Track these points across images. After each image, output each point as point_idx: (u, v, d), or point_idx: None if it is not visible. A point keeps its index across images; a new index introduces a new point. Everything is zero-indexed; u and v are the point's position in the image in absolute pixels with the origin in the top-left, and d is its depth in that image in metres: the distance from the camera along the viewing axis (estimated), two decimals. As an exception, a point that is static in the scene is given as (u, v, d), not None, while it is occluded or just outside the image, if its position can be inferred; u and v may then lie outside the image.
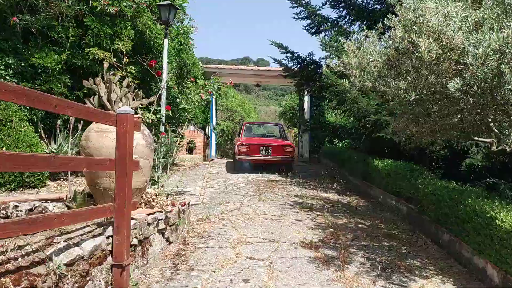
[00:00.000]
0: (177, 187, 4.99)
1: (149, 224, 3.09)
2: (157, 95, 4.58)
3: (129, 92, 3.88)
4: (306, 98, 12.74)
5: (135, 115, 3.41)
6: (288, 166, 9.63)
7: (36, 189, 4.18)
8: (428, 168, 6.16)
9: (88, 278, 2.25)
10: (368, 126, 6.89)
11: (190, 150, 11.56)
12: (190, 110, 5.31)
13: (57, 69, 5.59)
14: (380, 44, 3.78)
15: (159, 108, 4.52)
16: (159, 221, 3.29)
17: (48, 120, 5.78)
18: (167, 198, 3.73)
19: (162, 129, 4.75)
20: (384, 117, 6.25)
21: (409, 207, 4.99)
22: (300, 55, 9.05)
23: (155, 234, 3.22)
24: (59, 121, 4.52)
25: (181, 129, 10.33)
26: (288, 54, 9.05)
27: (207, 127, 12.04)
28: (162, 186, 4.00)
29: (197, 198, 5.43)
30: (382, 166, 6.05)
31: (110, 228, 2.55)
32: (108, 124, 2.65)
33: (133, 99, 3.83)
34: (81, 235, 2.42)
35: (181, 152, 10.11)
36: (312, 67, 9.03)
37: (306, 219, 4.57)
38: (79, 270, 2.17)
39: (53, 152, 4.83)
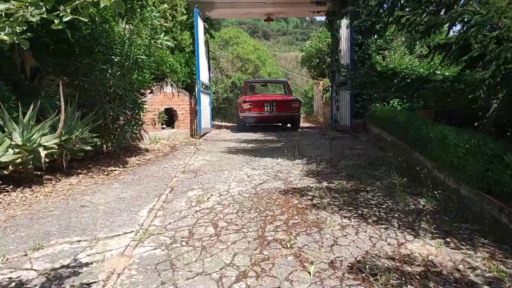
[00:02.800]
0: None
1: None
2: None
3: None
4: (344, 34, 8.74)
5: None
6: (294, 122, 10.29)
7: None
8: None
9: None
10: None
11: (171, 122, 8.07)
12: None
13: None
14: None
15: None
16: None
17: None
18: None
19: None
20: None
21: None
22: None
23: None
24: None
25: (146, 92, 6.76)
26: None
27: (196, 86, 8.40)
28: None
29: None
30: None
31: None
32: None
33: None
34: None
35: (155, 127, 6.61)
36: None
37: None
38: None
39: None
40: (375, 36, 9.06)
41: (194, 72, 8.12)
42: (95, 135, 4.81)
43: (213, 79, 26.48)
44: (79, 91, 4.85)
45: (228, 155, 6.28)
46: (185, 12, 8.26)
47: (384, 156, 6.11)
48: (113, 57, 5.02)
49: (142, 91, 6.65)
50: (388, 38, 10.49)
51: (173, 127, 8.02)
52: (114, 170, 5.07)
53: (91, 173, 4.89)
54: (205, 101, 8.62)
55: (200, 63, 8.02)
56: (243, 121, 10.30)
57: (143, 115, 6.18)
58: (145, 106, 6.70)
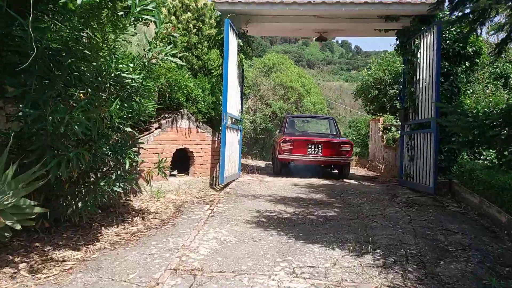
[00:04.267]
0: None
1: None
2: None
3: None
4: (427, 58, 6.60)
5: None
6: (343, 169, 8.60)
7: None
8: None
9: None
10: None
11: (185, 166, 6.19)
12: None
13: None
14: None
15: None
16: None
17: None
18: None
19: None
20: None
21: None
22: None
23: None
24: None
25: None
26: None
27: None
28: None
29: None
30: None
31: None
32: None
33: None
34: None
35: (148, 181, 4.67)
36: None
37: None
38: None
39: None
40: (466, 64, 6.82)
41: (220, 102, 6.28)
42: (34, 203, 2.96)
43: (252, 107, 24.90)
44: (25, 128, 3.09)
45: (255, 230, 4.21)
46: (214, 24, 6.55)
47: (507, 252, 3.79)
48: (86, 75, 3.26)
49: (142, 126, 4.85)
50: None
51: (188, 174, 6.13)
52: (66, 260, 3.16)
53: (25, 263, 3.02)
54: (232, 140, 6.70)
55: (229, 91, 6.17)
56: (280, 163, 8.50)
57: (141, 162, 4.32)
58: (145, 149, 4.88)
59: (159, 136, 5.34)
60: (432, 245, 3.97)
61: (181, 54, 6.01)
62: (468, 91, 7.22)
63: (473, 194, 5.49)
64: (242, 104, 7.57)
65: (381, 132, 10.34)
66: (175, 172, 5.95)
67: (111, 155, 3.72)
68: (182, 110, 5.70)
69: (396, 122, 10.17)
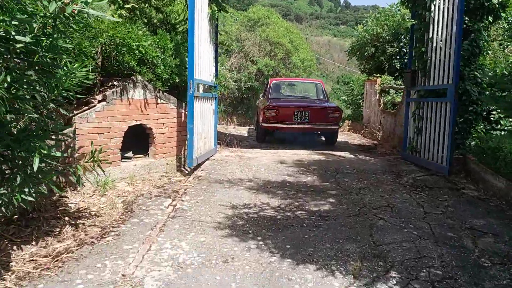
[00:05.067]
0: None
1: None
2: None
3: None
4: (444, 11, 5.37)
5: None
6: (330, 137, 8.03)
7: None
8: None
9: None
10: None
11: (145, 146, 5.01)
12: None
13: None
14: None
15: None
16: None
17: None
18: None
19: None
20: None
21: None
22: None
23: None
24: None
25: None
26: None
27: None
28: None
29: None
30: None
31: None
32: None
33: None
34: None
35: (104, 164, 3.48)
36: None
37: None
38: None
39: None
40: (489, 19, 5.60)
41: (187, 65, 4.99)
42: None
43: (236, 64, 23.26)
44: None
45: (228, 241, 3.17)
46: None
47: None
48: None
49: (81, 99, 3.62)
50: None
51: (148, 155, 4.97)
52: None
53: None
54: (205, 111, 5.50)
55: (197, 52, 4.87)
56: (264, 131, 7.82)
57: (63, 157, 3.14)
58: (77, 132, 3.71)
59: (103, 111, 4.11)
60: (461, 258, 3.01)
61: (132, 4, 4.64)
62: (489, 51, 6.06)
63: (497, 176, 4.53)
64: (216, 66, 6.28)
65: (378, 95, 9.22)
66: (130, 154, 4.78)
67: (14, 149, 2.54)
68: (134, 77, 4.43)
69: (396, 84, 9.05)
